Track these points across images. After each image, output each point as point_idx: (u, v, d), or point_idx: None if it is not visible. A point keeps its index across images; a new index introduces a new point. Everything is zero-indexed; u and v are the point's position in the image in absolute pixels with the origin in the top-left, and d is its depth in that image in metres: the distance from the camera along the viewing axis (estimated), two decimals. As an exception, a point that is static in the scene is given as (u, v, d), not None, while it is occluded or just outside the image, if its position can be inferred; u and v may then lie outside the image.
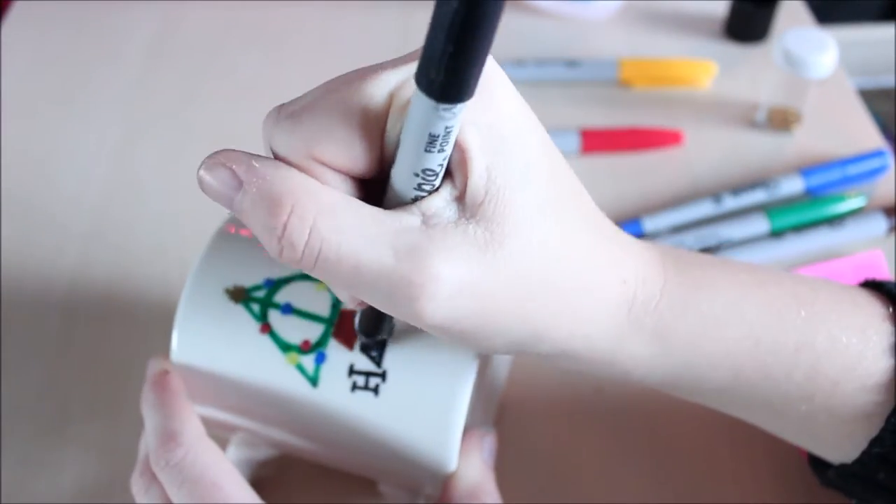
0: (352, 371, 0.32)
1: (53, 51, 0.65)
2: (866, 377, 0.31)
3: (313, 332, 0.33)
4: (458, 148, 0.25)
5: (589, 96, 0.61)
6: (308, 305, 0.33)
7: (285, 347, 0.33)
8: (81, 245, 0.52)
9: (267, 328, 0.33)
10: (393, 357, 0.32)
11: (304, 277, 0.34)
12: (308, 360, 0.33)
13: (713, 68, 0.61)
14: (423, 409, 0.32)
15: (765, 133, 0.59)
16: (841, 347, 0.32)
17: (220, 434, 0.37)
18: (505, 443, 0.41)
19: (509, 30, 0.66)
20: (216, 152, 0.26)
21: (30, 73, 0.63)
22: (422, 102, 0.22)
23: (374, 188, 0.26)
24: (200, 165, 0.26)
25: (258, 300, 0.33)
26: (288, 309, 0.33)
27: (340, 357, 0.32)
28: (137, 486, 0.34)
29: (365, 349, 0.32)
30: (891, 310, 0.33)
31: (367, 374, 0.32)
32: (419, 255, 0.25)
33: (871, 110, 0.61)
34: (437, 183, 0.25)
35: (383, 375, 0.32)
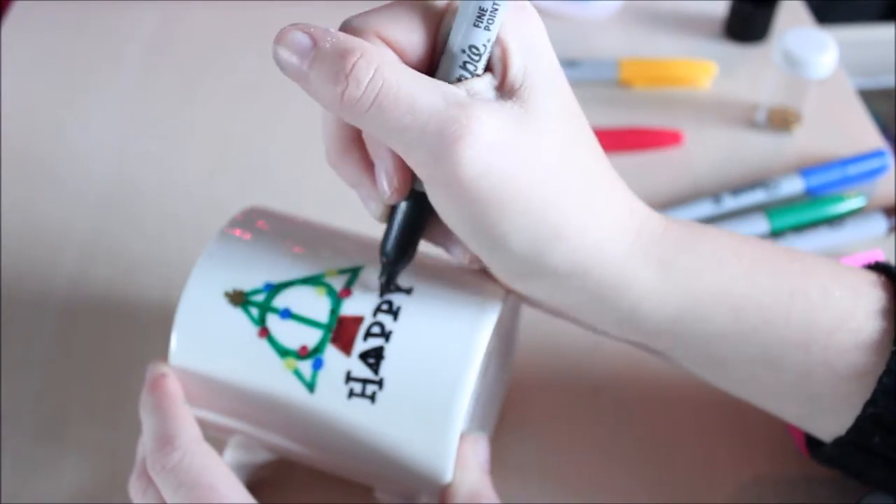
0: (349, 378, 0.32)
1: (53, 51, 0.65)
2: (858, 331, 0.33)
3: (311, 337, 0.33)
4: (500, 45, 0.29)
5: (589, 96, 0.60)
6: (307, 311, 0.33)
7: (283, 352, 0.33)
8: (81, 245, 0.52)
9: (265, 332, 0.33)
10: (390, 365, 0.32)
11: (304, 282, 0.34)
12: (305, 366, 0.33)
13: (713, 68, 0.61)
14: (420, 418, 0.32)
15: (765, 133, 0.59)
16: (833, 300, 0.33)
17: (217, 436, 0.37)
18: (504, 446, 0.41)
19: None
20: (290, 25, 0.29)
21: (30, 73, 0.63)
22: None
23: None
24: (276, 38, 0.29)
25: (257, 304, 0.33)
26: (287, 314, 0.33)
27: (338, 363, 0.32)
28: (135, 489, 0.34)
29: (389, 276, 0.33)
30: (882, 278, 0.34)
31: (364, 382, 0.32)
32: (467, 104, 0.28)
33: (871, 110, 0.61)
34: (479, 66, 0.28)
35: (380, 383, 0.32)
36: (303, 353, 0.33)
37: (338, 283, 0.33)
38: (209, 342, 0.34)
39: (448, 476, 0.33)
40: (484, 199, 0.28)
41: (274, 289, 0.33)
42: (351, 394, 0.32)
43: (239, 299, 0.33)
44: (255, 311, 0.33)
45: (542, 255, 0.30)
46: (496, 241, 0.30)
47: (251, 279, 0.34)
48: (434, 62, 0.30)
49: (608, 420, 0.43)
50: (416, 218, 0.32)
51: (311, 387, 0.32)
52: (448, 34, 0.29)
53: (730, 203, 0.53)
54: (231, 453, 0.38)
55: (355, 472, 0.36)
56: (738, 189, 0.54)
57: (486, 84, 0.29)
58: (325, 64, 0.27)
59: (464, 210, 0.29)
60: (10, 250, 0.51)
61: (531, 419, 0.43)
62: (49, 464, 0.42)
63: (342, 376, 0.32)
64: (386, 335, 0.32)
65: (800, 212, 0.53)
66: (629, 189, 0.33)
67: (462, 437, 0.33)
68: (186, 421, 0.33)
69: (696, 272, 0.32)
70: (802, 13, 0.68)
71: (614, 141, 0.57)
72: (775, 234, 0.52)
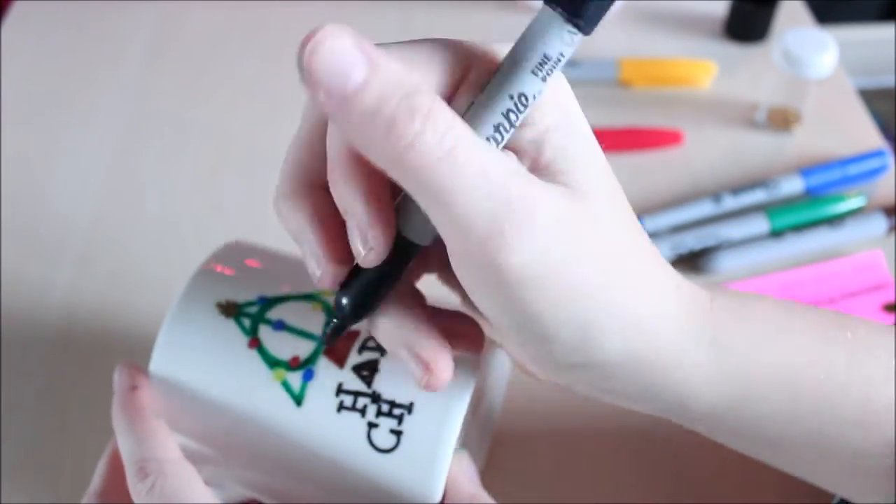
0: (340, 390, 0.31)
1: (53, 51, 0.65)
2: None
3: (304, 348, 0.32)
4: (536, 125, 0.25)
5: (589, 96, 0.61)
6: (301, 323, 0.32)
7: (273, 363, 0.32)
8: (81, 245, 0.52)
9: (256, 343, 0.32)
10: (385, 378, 0.31)
11: (299, 298, 0.33)
12: (295, 377, 0.31)
13: (713, 68, 0.61)
14: (413, 431, 0.31)
15: (765, 133, 0.59)
16: (891, 372, 0.31)
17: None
18: (499, 467, 0.41)
19: (509, 30, 0.66)
20: (316, 29, 0.23)
21: (30, 73, 0.63)
22: (548, 17, 0.24)
23: None
24: (305, 43, 0.23)
25: (250, 315, 0.32)
26: (280, 325, 0.32)
27: (329, 375, 0.31)
28: None
29: (336, 330, 0.29)
30: None
31: (356, 394, 0.31)
32: (534, 181, 0.24)
33: (871, 110, 0.61)
34: (520, 119, 0.25)
35: (372, 396, 0.31)
36: (294, 364, 0.32)
37: (332, 297, 0.32)
38: (195, 351, 0.32)
39: (438, 496, 0.31)
40: (533, 287, 0.25)
41: (268, 302, 0.33)
42: (341, 406, 0.31)
43: (232, 310, 0.33)
44: (247, 322, 0.32)
45: (593, 345, 0.27)
46: (541, 332, 0.26)
47: (246, 292, 0.33)
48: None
49: (605, 441, 0.43)
50: (390, 273, 0.27)
51: (298, 399, 0.31)
52: (483, 83, 0.25)
53: (730, 203, 0.53)
54: None
55: (335, 500, 0.34)
56: (738, 189, 0.54)
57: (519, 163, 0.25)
58: (390, 98, 0.22)
59: (504, 297, 0.25)
60: (10, 250, 0.51)
61: (525, 443, 0.43)
62: (50, 462, 0.42)
63: (333, 388, 0.31)
64: (381, 348, 0.31)
65: (800, 212, 0.53)
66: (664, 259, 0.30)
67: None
68: (158, 439, 0.32)
69: (749, 351, 0.29)
70: (802, 13, 0.68)
71: (614, 141, 0.57)
72: (775, 233, 0.52)
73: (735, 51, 0.64)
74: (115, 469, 0.34)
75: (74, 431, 0.44)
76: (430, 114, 0.22)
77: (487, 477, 0.41)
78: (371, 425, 0.31)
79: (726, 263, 0.50)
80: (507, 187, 0.23)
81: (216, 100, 0.61)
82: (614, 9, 0.67)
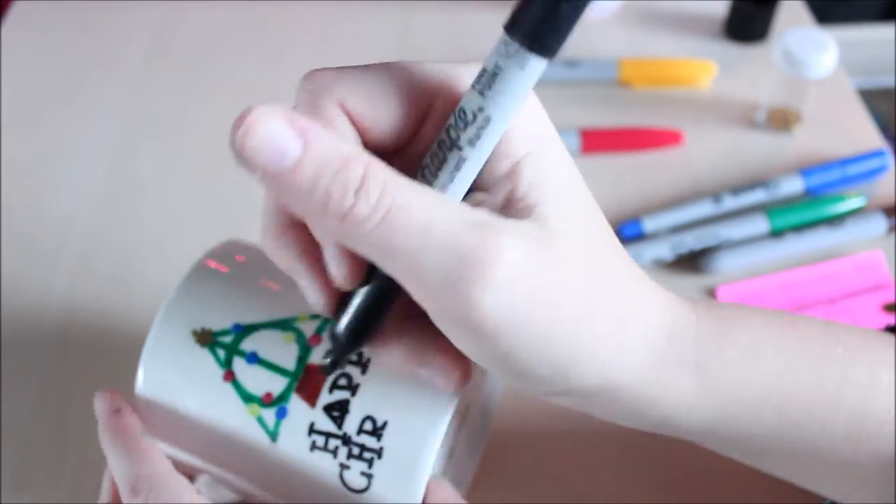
0: (312, 430, 0.31)
1: (53, 51, 0.65)
2: None
3: (276, 385, 0.32)
4: (510, 158, 0.25)
5: (589, 96, 0.61)
6: (274, 357, 0.32)
7: (247, 398, 0.32)
8: (81, 245, 0.52)
9: (231, 376, 0.32)
10: (355, 420, 0.31)
11: (273, 326, 0.33)
12: (269, 414, 0.32)
13: (713, 68, 0.61)
14: (385, 475, 0.31)
15: (765, 133, 0.59)
16: (884, 385, 0.30)
17: (187, 471, 0.36)
18: (497, 468, 0.41)
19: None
20: (248, 111, 0.23)
21: (30, 73, 0.63)
22: (500, 40, 0.23)
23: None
24: (238, 123, 0.23)
25: (224, 346, 0.32)
26: (253, 358, 0.32)
27: (301, 414, 0.31)
28: None
29: (336, 360, 0.30)
30: None
31: (328, 435, 0.31)
32: (488, 227, 0.24)
33: (871, 110, 0.61)
34: (462, 138, 0.24)
35: (343, 438, 0.31)
36: (267, 401, 0.32)
37: (308, 329, 0.32)
38: (174, 380, 0.33)
39: None
40: (503, 335, 0.25)
41: (243, 331, 0.33)
42: (313, 446, 0.31)
43: (206, 339, 0.33)
44: (221, 353, 0.32)
45: (569, 379, 0.27)
46: (516, 370, 0.26)
47: (221, 319, 0.33)
48: (400, 143, 0.26)
49: (599, 443, 0.43)
50: (380, 301, 0.27)
51: (273, 436, 0.32)
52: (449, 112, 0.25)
53: (730, 203, 0.53)
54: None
55: None
56: (738, 189, 0.54)
57: (490, 205, 0.25)
58: (324, 173, 0.22)
59: (474, 343, 0.25)
60: (10, 250, 0.51)
61: (520, 448, 0.43)
62: (50, 462, 0.42)
63: (305, 428, 0.31)
64: (353, 388, 0.31)
65: (800, 212, 0.53)
66: (650, 279, 0.29)
67: (430, 485, 0.31)
68: (147, 457, 0.32)
69: (734, 374, 0.29)
70: (802, 13, 0.68)
71: (614, 141, 0.57)
72: (775, 233, 0.52)
73: (735, 51, 0.64)
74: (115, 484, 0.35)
75: (74, 431, 0.44)
76: (362, 184, 0.22)
77: (484, 479, 0.41)
78: (343, 466, 0.31)
79: (726, 263, 0.50)
80: (458, 241, 0.23)
81: (216, 100, 0.61)
82: (614, 8, 0.67)
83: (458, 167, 0.24)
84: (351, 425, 0.31)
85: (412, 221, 0.23)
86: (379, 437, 0.31)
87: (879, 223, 0.52)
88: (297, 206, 0.23)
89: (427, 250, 0.23)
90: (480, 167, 0.25)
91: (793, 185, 0.54)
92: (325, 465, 0.31)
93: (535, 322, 0.25)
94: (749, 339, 0.30)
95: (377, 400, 0.31)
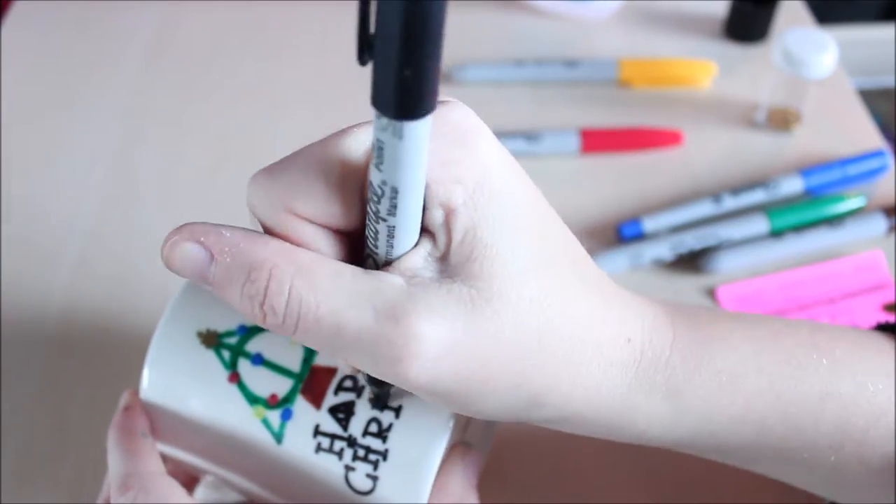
0: (317, 431, 0.31)
1: (53, 51, 0.65)
2: (892, 425, 0.30)
3: (282, 386, 0.32)
4: (444, 206, 0.24)
5: (589, 96, 0.61)
6: (279, 358, 0.32)
7: (252, 399, 0.32)
8: (81, 245, 0.52)
9: (236, 377, 0.32)
10: (360, 422, 0.31)
11: None
12: (274, 416, 0.32)
13: (713, 68, 0.61)
14: (390, 479, 0.31)
15: (765, 133, 0.59)
16: (868, 394, 0.30)
17: (191, 473, 0.37)
18: (499, 469, 0.41)
19: (509, 30, 0.66)
20: (178, 228, 0.25)
21: (30, 73, 0.63)
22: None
23: (359, 245, 0.26)
24: (164, 244, 0.26)
25: (229, 347, 0.33)
26: (258, 360, 0.32)
27: (307, 416, 0.31)
28: None
29: (377, 402, 0.31)
30: None
31: (333, 437, 0.31)
32: (400, 313, 0.24)
33: (871, 110, 0.61)
34: (381, 208, 0.24)
35: (349, 440, 0.31)
36: (272, 402, 0.32)
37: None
38: (180, 382, 0.33)
39: None
40: (444, 396, 0.25)
41: (248, 332, 0.33)
42: (319, 448, 0.31)
43: (212, 341, 0.33)
44: (227, 355, 0.32)
45: (531, 416, 0.27)
46: (478, 414, 0.27)
47: (225, 320, 0.33)
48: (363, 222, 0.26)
49: (601, 446, 0.43)
50: None
51: (278, 437, 0.32)
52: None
53: (730, 203, 0.53)
54: (202, 491, 0.37)
55: None
56: (738, 189, 0.53)
57: (423, 259, 0.25)
58: (233, 285, 0.25)
59: (426, 398, 0.26)
60: (10, 250, 0.51)
61: (527, 439, 0.43)
62: (50, 462, 0.42)
63: (310, 429, 0.31)
64: (358, 390, 0.31)
65: (800, 212, 0.53)
66: (623, 298, 0.29)
67: (451, 450, 0.32)
68: (142, 456, 0.33)
69: (710, 397, 0.29)
70: (802, 13, 0.68)
71: (614, 141, 0.57)
72: (775, 233, 0.52)
73: (735, 51, 0.64)
74: None
75: (74, 431, 0.44)
76: (266, 296, 0.24)
77: (486, 479, 0.41)
78: (348, 468, 0.31)
79: (726, 263, 0.50)
80: (372, 337, 0.24)
81: (216, 100, 0.61)
82: (614, 8, 0.67)
83: (391, 234, 0.24)
84: (356, 427, 0.31)
85: (322, 327, 0.24)
86: (384, 438, 0.31)
87: (879, 223, 0.52)
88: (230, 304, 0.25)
89: (346, 348, 0.24)
90: (417, 224, 0.25)
91: (793, 185, 0.54)
92: (330, 467, 0.31)
93: (475, 382, 0.25)
94: (727, 361, 0.29)
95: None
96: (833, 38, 0.55)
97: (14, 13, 0.67)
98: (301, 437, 0.31)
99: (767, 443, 0.30)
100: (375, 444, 0.31)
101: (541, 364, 0.26)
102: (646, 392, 0.28)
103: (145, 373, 0.33)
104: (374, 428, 0.31)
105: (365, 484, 0.31)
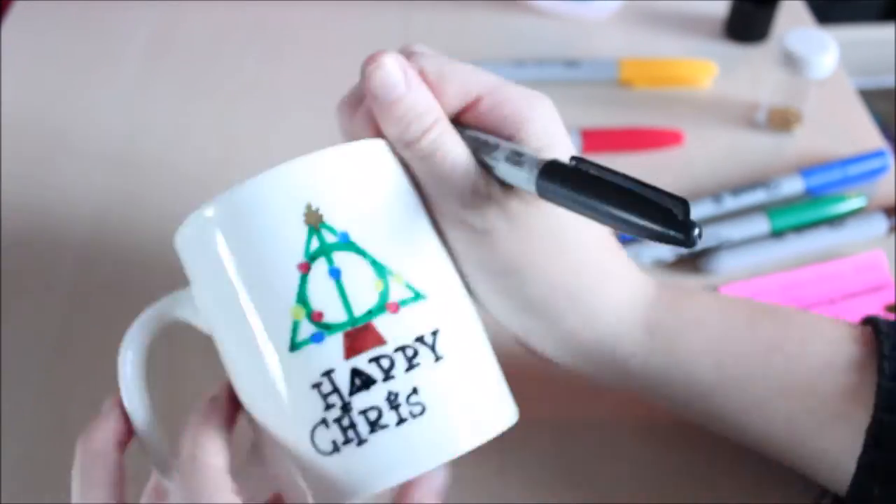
0: (326, 374, 0.30)
1: (53, 51, 0.65)
2: (838, 381, 0.35)
3: (334, 314, 0.30)
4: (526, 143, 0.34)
5: (589, 96, 0.61)
6: (352, 289, 0.30)
7: (302, 299, 0.30)
8: (82, 245, 0.52)
9: (306, 268, 0.30)
10: (365, 403, 0.30)
11: (373, 263, 0.31)
12: (307, 328, 0.30)
13: (713, 68, 0.61)
14: (348, 465, 0.30)
15: (765, 133, 0.59)
16: (810, 351, 0.36)
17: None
18: (494, 471, 0.41)
19: (509, 30, 0.66)
20: (380, 52, 0.32)
21: (30, 73, 0.63)
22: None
23: None
24: (369, 62, 0.32)
25: (321, 240, 0.30)
26: (336, 273, 0.30)
27: (331, 355, 0.30)
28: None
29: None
30: (867, 330, 0.37)
31: (335, 390, 0.30)
32: (490, 181, 0.33)
33: (871, 110, 0.61)
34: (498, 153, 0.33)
35: (344, 405, 0.30)
36: (315, 319, 0.30)
37: (396, 291, 0.31)
38: (256, 223, 0.31)
39: None
40: (519, 275, 0.34)
41: (347, 243, 0.31)
42: (315, 387, 0.30)
43: (314, 220, 0.30)
44: (315, 244, 0.30)
45: (557, 312, 0.35)
46: (514, 294, 0.35)
47: (338, 216, 0.31)
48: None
49: (600, 432, 0.43)
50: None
51: (294, 347, 0.30)
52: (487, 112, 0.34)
53: (730, 203, 0.53)
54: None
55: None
56: (738, 189, 0.53)
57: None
58: (409, 112, 0.32)
59: (502, 285, 0.34)
60: (10, 250, 0.51)
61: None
62: (50, 462, 0.42)
63: (323, 367, 0.30)
64: (387, 376, 0.30)
65: (800, 212, 0.53)
66: (623, 253, 0.37)
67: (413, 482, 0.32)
68: (208, 446, 0.32)
69: (677, 333, 0.36)
70: (802, 13, 0.68)
71: (614, 141, 0.57)
72: (776, 234, 0.52)
73: (735, 51, 0.64)
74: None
75: (74, 431, 0.43)
76: (429, 128, 0.33)
77: (485, 479, 0.41)
78: (324, 423, 0.30)
79: (726, 263, 0.50)
80: (468, 167, 0.33)
81: (216, 100, 0.61)
82: (614, 8, 0.67)
83: (495, 158, 0.33)
84: (359, 403, 0.30)
85: (448, 159, 0.33)
86: (373, 431, 0.30)
87: (880, 223, 0.52)
88: (385, 126, 0.33)
89: (451, 176, 0.33)
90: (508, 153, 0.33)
91: (793, 186, 0.54)
92: (310, 409, 0.30)
93: (530, 254, 0.34)
94: (696, 309, 0.37)
95: (399, 404, 0.30)
96: (833, 38, 0.55)
97: (14, 13, 0.67)
98: (311, 365, 0.30)
99: (725, 383, 0.36)
100: (362, 427, 0.30)
101: (578, 260, 0.35)
102: (629, 326, 0.36)
103: (219, 198, 0.31)
104: (372, 415, 0.30)
105: (326, 447, 0.30)
